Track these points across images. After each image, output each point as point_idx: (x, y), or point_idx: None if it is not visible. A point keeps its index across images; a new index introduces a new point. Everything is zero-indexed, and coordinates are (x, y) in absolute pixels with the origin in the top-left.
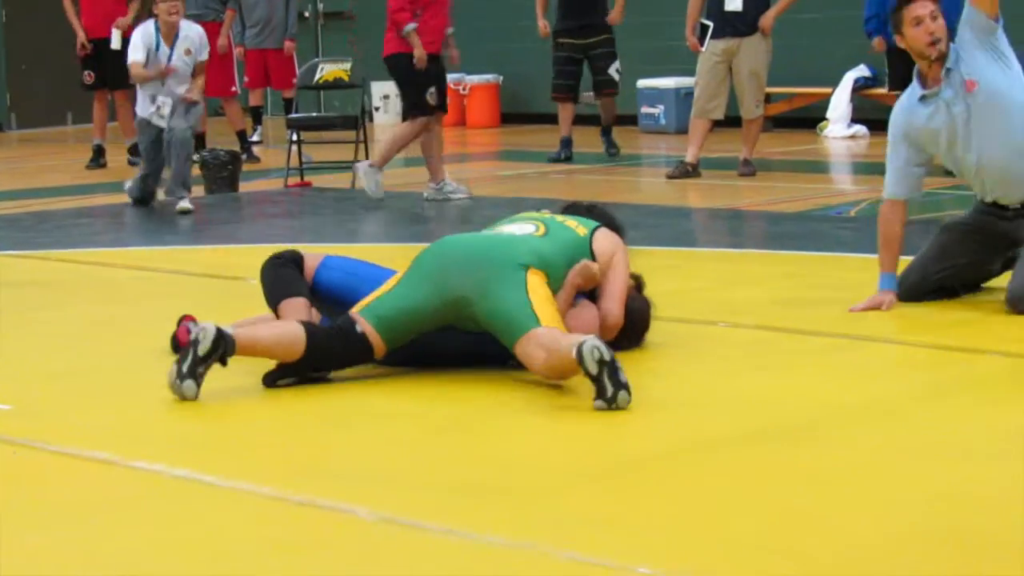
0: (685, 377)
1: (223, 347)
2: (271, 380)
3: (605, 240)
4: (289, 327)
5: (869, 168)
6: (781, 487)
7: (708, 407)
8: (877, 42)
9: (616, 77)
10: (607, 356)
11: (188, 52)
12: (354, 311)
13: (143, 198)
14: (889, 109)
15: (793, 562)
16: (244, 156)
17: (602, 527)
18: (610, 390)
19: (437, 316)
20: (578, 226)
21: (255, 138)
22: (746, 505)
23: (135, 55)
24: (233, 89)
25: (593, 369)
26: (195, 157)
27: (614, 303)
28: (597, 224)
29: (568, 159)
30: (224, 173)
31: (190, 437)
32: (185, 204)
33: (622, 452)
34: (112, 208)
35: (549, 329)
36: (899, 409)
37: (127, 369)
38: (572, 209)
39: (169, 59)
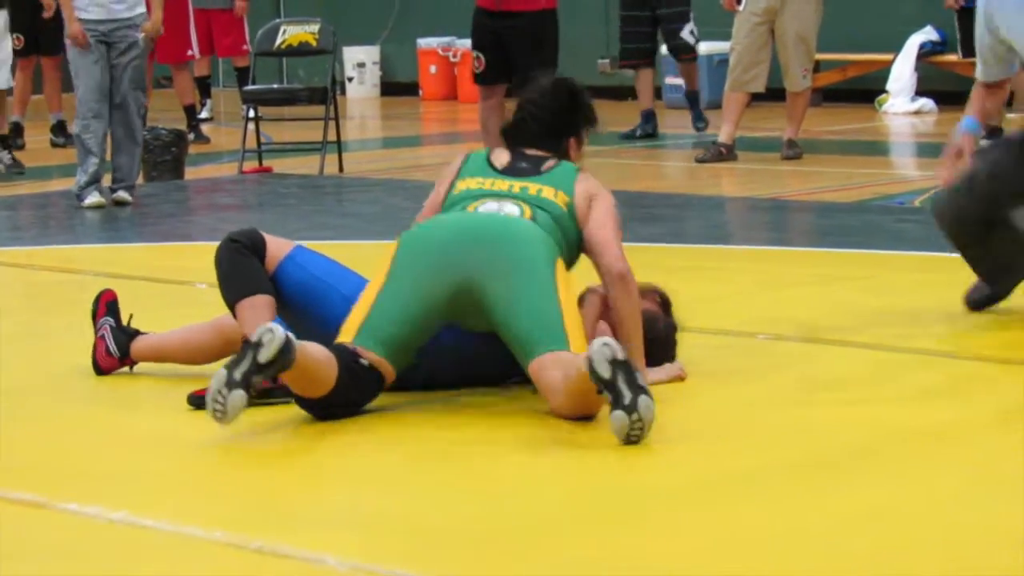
0: (718, 399)
1: (285, 360)
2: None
3: (586, 200)
4: (328, 354)
5: (937, 150)
6: (831, 526)
7: (745, 435)
8: None
9: (691, 40)
10: (620, 355)
11: None
12: (348, 340)
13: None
14: (962, 79)
15: None
16: (191, 136)
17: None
18: (628, 395)
19: (442, 314)
20: (555, 192)
21: (204, 115)
22: (791, 546)
23: None
24: (190, 53)
25: (605, 372)
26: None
27: (610, 254)
28: (573, 177)
29: (652, 135)
30: (167, 156)
31: (129, 473)
32: (122, 194)
33: (640, 488)
34: (34, 199)
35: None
36: (967, 436)
37: (52, 391)
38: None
39: None
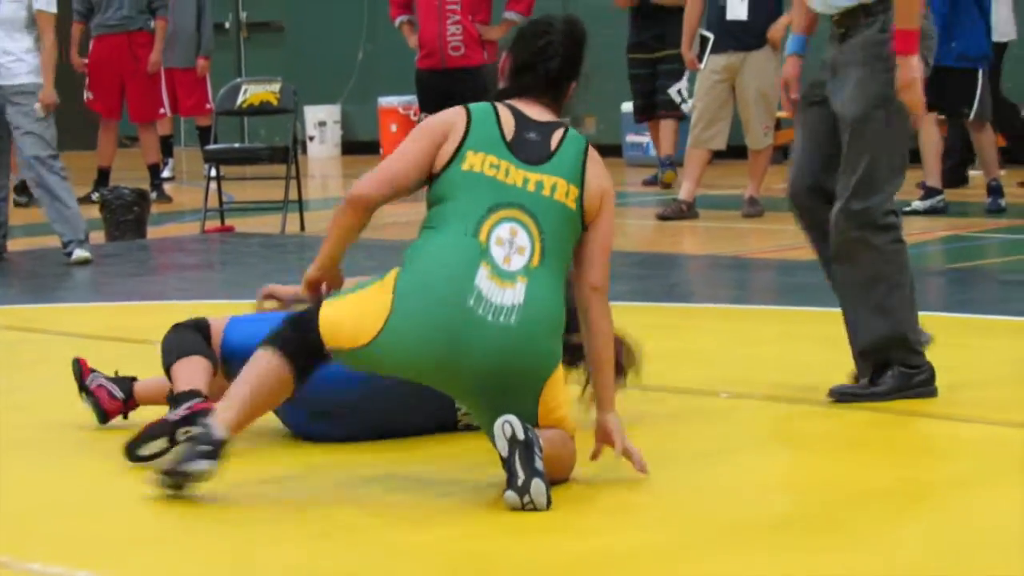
0: (679, 459)
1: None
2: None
3: (598, 199)
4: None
5: (900, 206)
6: None
7: (705, 497)
8: None
9: (678, 99)
10: (520, 434)
11: None
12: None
13: None
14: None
15: None
16: (154, 195)
17: None
18: (521, 477)
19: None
20: (567, 188)
21: (166, 174)
22: None
23: None
24: (162, 111)
25: (503, 449)
26: (94, 196)
27: (599, 268)
28: (581, 161)
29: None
30: (129, 216)
31: (95, 534)
32: (82, 252)
33: (594, 549)
34: None
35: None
36: (939, 495)
37: (16, 450)
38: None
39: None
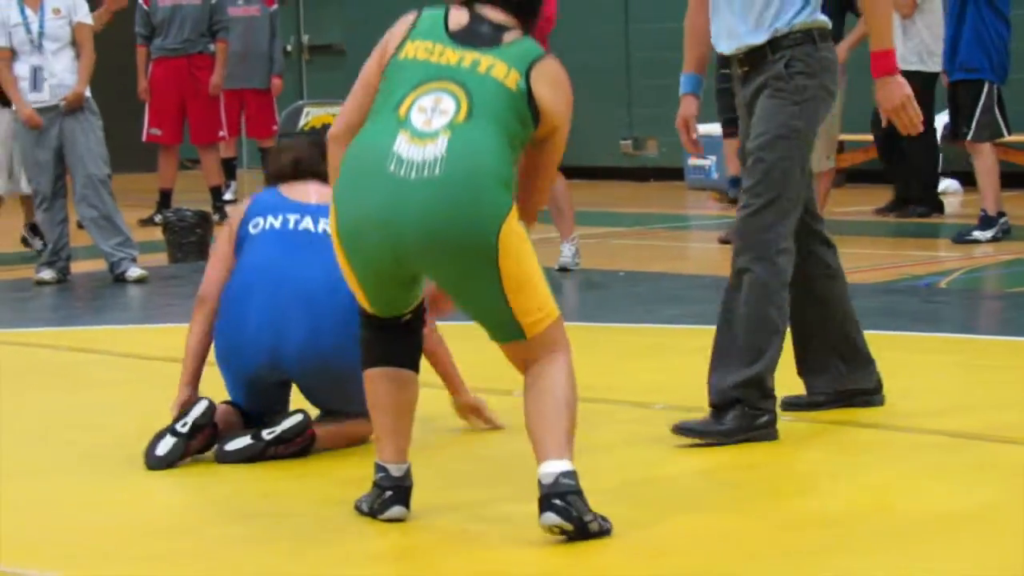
0: (744, 477)
1: None
2: None
3: (549, 93)
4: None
5: (960, 235)
6: None
7: (777, 516)
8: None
9: None
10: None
11: (58, 12)
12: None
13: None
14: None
15: None
16: (216, 217)
17: None
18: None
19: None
20: (507, 71)
21: (228, 196)
22: None
23: None
24: (221, 134)
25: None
26: (157, 218)
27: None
28: (532, 57)
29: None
30: (192, 238)
31: (162, 553)
32: (139, 270)
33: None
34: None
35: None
36: (990, 519)
37: (67, 470)
38: None
39: (40, 24)
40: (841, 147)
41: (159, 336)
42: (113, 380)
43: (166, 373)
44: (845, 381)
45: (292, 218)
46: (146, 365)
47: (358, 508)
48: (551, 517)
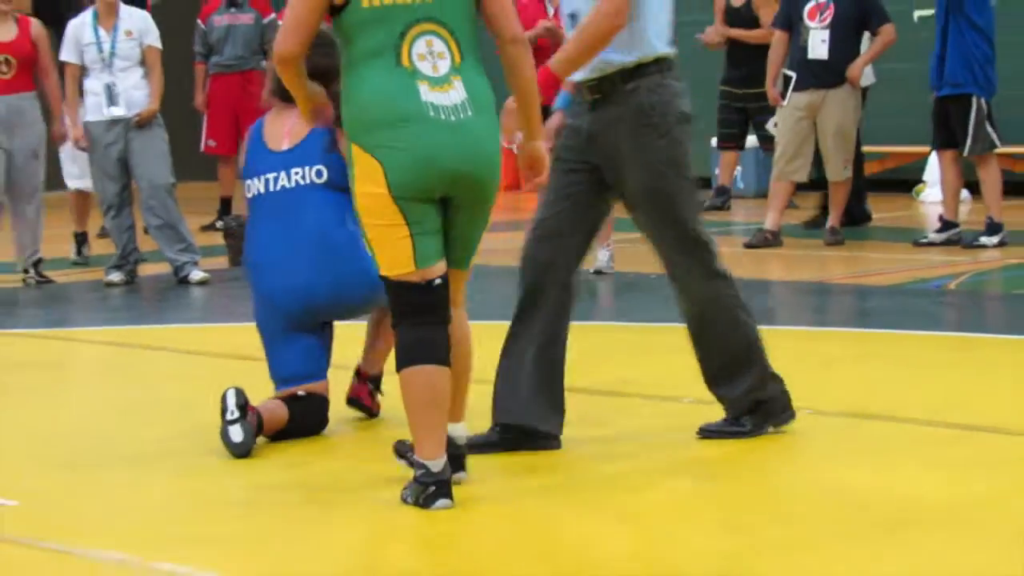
0: (764, 470)
1: None
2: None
3: None
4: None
5: (970, 238)
6: None
7: (789, 504)
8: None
9: (773, 131)
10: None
11: (130, 34)
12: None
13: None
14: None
15: None
16: None
17: None
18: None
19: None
20: None
21: None
22: None
23: (68, 56)
24: None
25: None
26: (218, 224)
27: (506, 19)
28: None
29: (721, 208)
30: None
31: (216, 535)
32: (201, 273)
33: (687, 552)
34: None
35: None
36: (1004, 506)
37: (146, 460)
38: None
39: (112, 44)
40: (858, 157)
41: (220, 334)
42: (178, 375)
43: (228, 368)
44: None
45: (271, 177)
46: (208, 361)
47: (404, 500)
48: (448, 503)
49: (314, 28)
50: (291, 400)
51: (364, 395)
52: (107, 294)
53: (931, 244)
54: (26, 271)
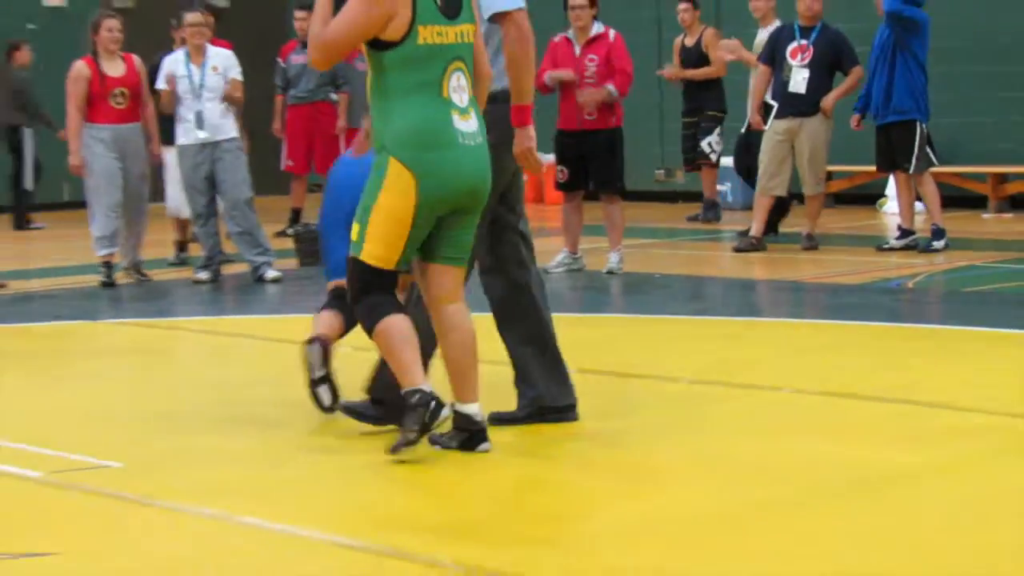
0: (749, 441)
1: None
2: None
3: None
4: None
5: (925, 244)
6: (836, 546)
7: (773, 469)
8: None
9: (707, 150)
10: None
11: (216, 69)
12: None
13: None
14: (944, 186)
15: None
16: None
17: None
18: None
19: None
20: (473, 28)
21: None
22: (804, 564)
23: (163, 85)
24: None
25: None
26: (289, 231)
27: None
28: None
29: (714, 220)
30: (316, 247)
31: (291, 492)
32: (275, 272)
33: (685, 510)
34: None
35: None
36: (954, 471)
37: (231, 428)
38: None
39: (201, 78)
40: (830, 176)
41: (291, 324)
42: (255, 358)
43: (296, 352)
44: (544, 398)
45: None
46: (280, 346)
47: (445, 445)
48: (488, 445)
49: (349, 52)
50: (340, 298)
51: None
52: (196, 290)
53: (892, 249)
54: (128, 270)
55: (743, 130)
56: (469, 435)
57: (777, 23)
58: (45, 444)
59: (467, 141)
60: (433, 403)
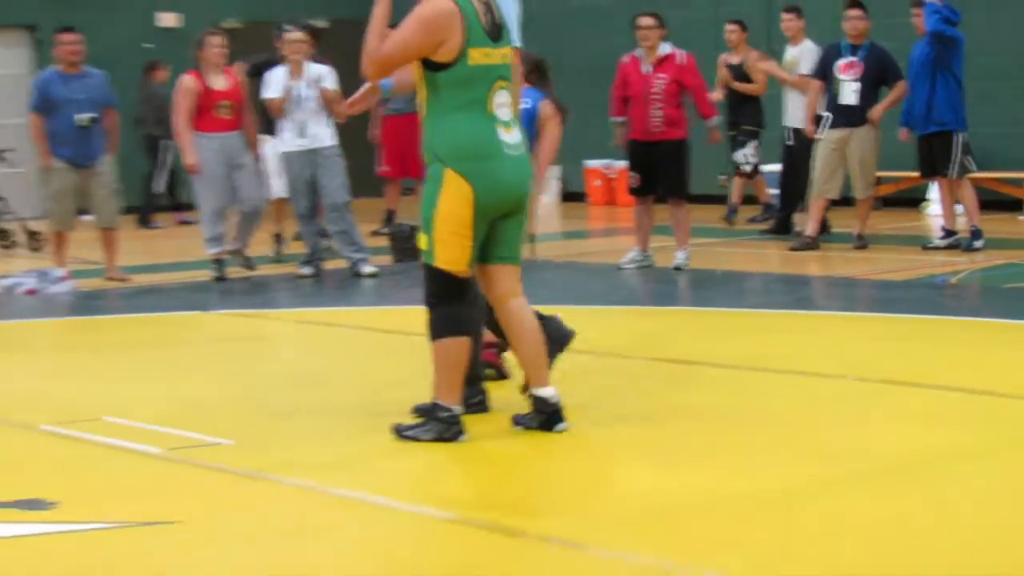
0: (814, 425)
1: None
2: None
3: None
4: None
5: (967, 243)
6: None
7: (823, 448)
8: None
9: (742, 160)
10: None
11: (314, 82)
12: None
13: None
14: (982, 191)
15: None
16: None
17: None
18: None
19: None
20: (512, 49)
21: None
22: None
23: (271, 93)
24: None
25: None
26: (384, 230)
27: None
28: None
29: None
30: (409, 244)
31: (383, 466)
32: (371, 267)
33: (751, 486)
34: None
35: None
36: (1001, 452)
37: (331, 409)
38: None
39: (302, 90)
40: (878, 180)
41: (386, 315)
42: (354, 345)
43: (391, 341)
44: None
45: None
46: (376, 335)
47: (527, 425)
48: (564, 425)
49: (400, 67)
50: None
51: (493, 358)
52: (299, 284)
53: (936, 248)
54: (234, 254)
55: (788, 141)
56: (547, 416)
57: (807, 41)
58: (164, 423)
59: (511, 151)
60: (456, 428)
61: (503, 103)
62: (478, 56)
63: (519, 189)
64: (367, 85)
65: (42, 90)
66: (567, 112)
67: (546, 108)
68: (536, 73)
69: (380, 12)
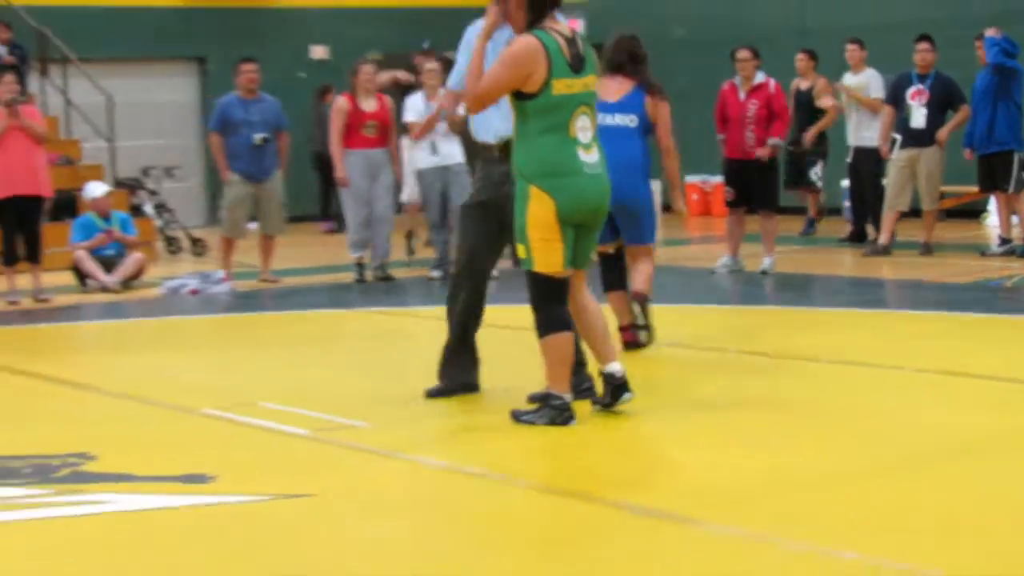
0: (877, 413)
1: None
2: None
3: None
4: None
5: (1021, 250)
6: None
7: (892, 430)
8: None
9: (814, 179)
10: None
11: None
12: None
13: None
14: None
15: None
16: None
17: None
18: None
19: None
20: (594, 79)
21: None
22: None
23: (411, 117)
24: None
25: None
26: None
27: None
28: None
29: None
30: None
31: (507, 447)
32: (435, 272)
33: (821, 465)
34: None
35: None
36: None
37: (459, 398)
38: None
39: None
40: (943, 195)
41: (507, 313)
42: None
43: (508, 336)
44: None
45: (605, 116)
46: (494, 331)
47: (603, 404)
48: (630, 395)
49: (497, 100)
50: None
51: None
52: (430, 286)
53: (993, 255)
54: (376, 270)
55: (848, 160)
56: (614, 387)
57: (868, 69)
58: (311, 408)
59: (590, 170)
60: (567, 413)
61: (584, 127)
62: (561, 86)
63: (597, 203)
64: (430, 115)
65: (223, 112)
66: (662, 91)
67: (648, 105)
68: (631, 64)
69: (476, 58)
